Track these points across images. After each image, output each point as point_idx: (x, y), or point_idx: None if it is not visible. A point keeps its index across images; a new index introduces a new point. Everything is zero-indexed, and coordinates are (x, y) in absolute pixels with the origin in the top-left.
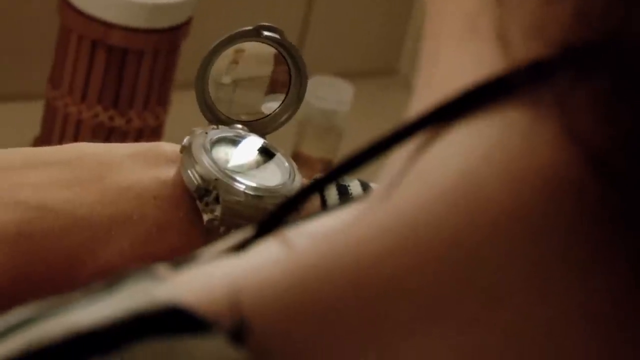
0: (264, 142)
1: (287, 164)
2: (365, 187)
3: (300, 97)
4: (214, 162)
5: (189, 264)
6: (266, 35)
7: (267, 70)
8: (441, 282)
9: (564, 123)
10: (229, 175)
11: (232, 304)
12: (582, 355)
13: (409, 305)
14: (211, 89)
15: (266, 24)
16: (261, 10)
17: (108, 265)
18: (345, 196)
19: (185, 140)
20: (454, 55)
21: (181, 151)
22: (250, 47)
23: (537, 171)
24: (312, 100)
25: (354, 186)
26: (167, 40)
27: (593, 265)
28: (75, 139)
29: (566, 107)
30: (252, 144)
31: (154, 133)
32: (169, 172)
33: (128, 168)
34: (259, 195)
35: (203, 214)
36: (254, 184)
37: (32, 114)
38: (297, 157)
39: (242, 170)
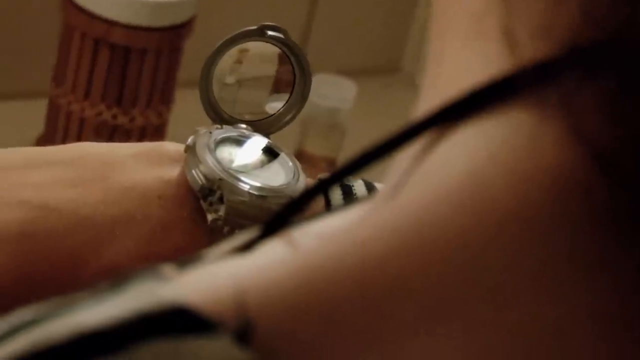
0: (268, 142)
1: (291, 163)
2: (369, 187)
3: (304, 97)
4: (218, 162)
5: (194, 264)
6: (270, 35)
7: (271, 69)
8: (447, 283)
9: (570, 123)
10: (233, 175)
11: (238, 304)
12: (590, 356)
13: (414, 305)
14: (215, 89)
15: (270, 23)
16: (264, 8)
17: (111, 265)
18: (349, 196)
19: (190, 140)
20: (460, 54)
21: (185, 151)
22: (254, 46)
23: (543, 171)
24: (315, 99)
25: (358, 186)
26: (170, 38)
27: (600, 265)
28: (79, 137)
29: (572, 107)
30: (256, 143)
31: (157, 131)
32: (172, 172)
33: (131, 168)
34: (263, 195)
35: (207, 214)
36: (258, 184)
37: (35, 112)
38: (301, 156)
39: (246, 170)
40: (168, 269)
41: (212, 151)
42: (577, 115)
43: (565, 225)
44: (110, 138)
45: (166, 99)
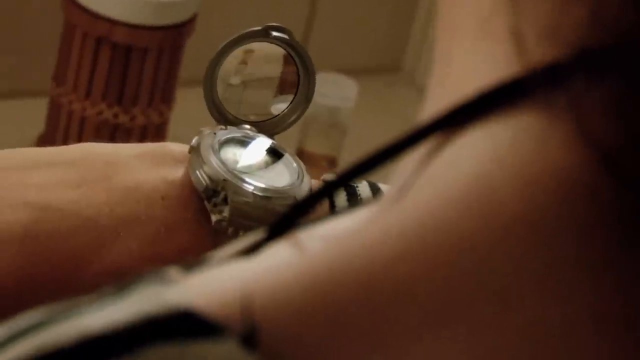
0: (273, 143)
1: (295, 164)
2: (373, 188)
3: (308, 98)
4: (223, 162)
5: (199, 267)
6: (275, 36)
7: (276, 70)
8: (452, 287)
9: (577, 126)
10: (237, 176)
11: (244, 307)
12: (593, 356)
13: (419, 309)
14: (219, 89)
15: (275, 24)
16: (266, 7)
17: (115, 266)
18: (353, 198)
19: (194, 141)
20: (467, 56)
21: (189, 152)
22: (259, 47)
23: (550, 174)
24: (316, 97)
25: (363, 187)
26: (171, 37)
27: (604, 266)
28: (80, 136)
29: (580, 109)
30: (261, 144)
31: (158, 130)
32: (176, 173)
33: (135, 168)
34: (268, 196)
35: (211, 215)
36: (262, 185)
37: (37, 111)
38: (301, 154)
39: (251, 171)
40: (173, 272)
41: (217, 152)
42: (584, 117)
43: (571, 228)
44: (111, 137)
45: (167, 98)
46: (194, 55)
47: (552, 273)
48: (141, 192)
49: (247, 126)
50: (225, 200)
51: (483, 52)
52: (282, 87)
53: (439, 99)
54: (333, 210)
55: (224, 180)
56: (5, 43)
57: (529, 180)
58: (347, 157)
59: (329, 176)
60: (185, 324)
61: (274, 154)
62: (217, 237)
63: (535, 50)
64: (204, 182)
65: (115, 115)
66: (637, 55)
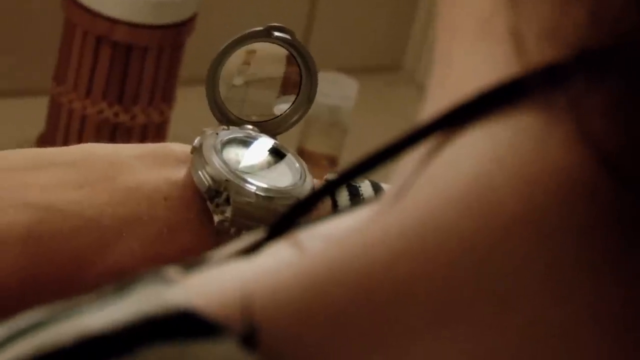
0: (275, 143)
1: (297, 164)
2: (376, 187)
3: (310, 98)
4: (225, 163)
5: (200, 267)
6: (277, 36)
7: (279, 70)
8: (452, 287)
9: (577, 126)
10: (239, 176)
11: (244, 307)
12: (593, 356)
13: (419, 309)
14: (222, 90)
15: (276, 24)
16: (266, 5)
17: (117, 267)
18: (356, 197)
19: (196, 141)
20: (467, 56)
21: (191, 152)
22: (262, 47)
23: (549, 174)
24: (316, 97)
25: (365, 187)
26: (171, 36)
27: (604, 266)
28: (80, 135)
29: (580, 110)
30: (263, 144)
31: (158, 129)
32: (179, 173)
33: (137, 169)
34: (270, 196)
35: (214, 215)
36: (264, 185)
37: (37, 110)
38: (302, 154)
39: (253, 171)
40: (173, 272)
41: (219, 152)
42: (584, 118)
43: (571, 228)
44: (111, 136)
45: (168, 97)
46: (194, 54)
47: (552, 273)
48: (143, 192)
49: (250, 126)
50: (227, 201)
51: (483, 52)
52: (285, 88)
53: (439, 99)
54: (335, 210)
55: (227, 180)
56: (5, 42)
57: (528, 180)
58: (348, 156)
59: (331, 176)
60: (184, 324)
61: (277, 154)
62: (219, 237)
63: (535, 50)
64: (206, 182)
65: (116, 114)
66: (637, 57)
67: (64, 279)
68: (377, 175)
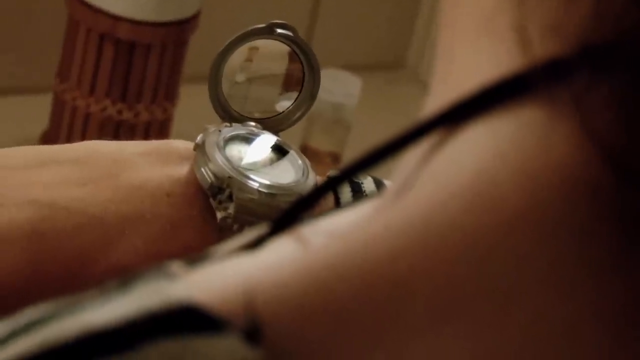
0: (278, 140)
1: (300, 161)
2: (378, 184)
3: (313, 95)
4: (228, 159)
5: (202, 262)
6: (279, 33)
7: (281, 67)
8: (454, 283)
9: (580, 122)
10: (242, 173)
11: (246, 302)
12: (595, 353)
13: (421, 305)
14: (224, 87)
15: (279, 21)
16: (269, 3)
17: (120, 264)
18: (358, 194)
19: (199, 138)
20: (471, 52)
21: (194, 149)
22: (264, 45)
23: (552, 170)
24: (320, 94)
25: (368, 183)
26: (175, 33)
27: (606, 264)
28: (83, 132)
29: (583, 106)
30: (266, 141)
31: (162, 127)
32: (182, 170)
33: (140, 166)
34: (273, 193)
35: (216, 212)
36: (267, 182)
37: (40, 107)
38: (305, 151)
39: (256, 168)
40: (176, 267)
41: (222, 149)
42: (588, 114)
43: (574, 225)
44: (115, 134)
45: (171, 95)
46: (197, 52)
47: (554, 270)
48: (146, 189)
49: (252, 123)
50: (230, 198)
51: (486, 48)
52: (287, 85)
53: (442, 95)
54: (338, 206)
55: (229, 177)
56: (8, 39)
57: (531, 176)
58: (351, 154)
59: (333, 172)
60: (187, 320)
61: (279, 150)
62: (222, 234)
63: (538, 47)
64: (209, 179)
65: (119, 112)
66: (637, 53)
67: (68, 276)
68: (380, 171)
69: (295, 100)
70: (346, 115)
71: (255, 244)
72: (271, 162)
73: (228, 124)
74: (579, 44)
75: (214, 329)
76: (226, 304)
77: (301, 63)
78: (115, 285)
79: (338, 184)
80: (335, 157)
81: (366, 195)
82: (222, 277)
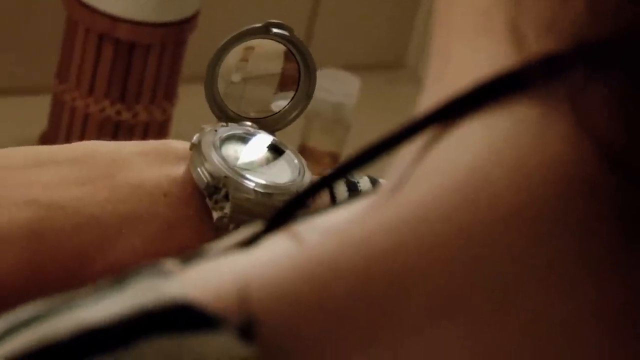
0: (274, 139)
1: (296, 161)
2: (375, 183)
3: (309, 94)
4: (224, 159)
5: (197, 260)
6: (275, 33)
7: (276, 67)
8: (449, 281)
9: (576, 119)
10: (238, 172)
11: (241, 299)
12: (594, 352)
13: (416, 303)
14: (220, 86)
15: (275, 21)
16: (268, 3)
17: (118, 263)
18: (354, 193)
19: (195, 138)
20: (466, 50)
21: (190, 149)
22: (260, 44)
23: (547, 167)
24: (319, 93)
25: (364, 183)
26: (174, 34)
27: (606, 262)
28: (82, 133)
29: (579, 102)
30: (262, 141)
31: (161, 127)
32: (179, 170)
33: (138, 166)
34: (269, 192)
35: (213, 212)
36: (263, 182)
37: (39, 108)
38: (304, 151)
39: (252, 167)
40: (171, 265)
41: (218, 149)
42: (583, 111)
43: (571, 223)
44: (114, 134)
45: (170, 95)
46: (196, 52)
47: (553, 269)
48: (143, 189)
49: (248, 123)
50: (226, 197)
51: (481, 46)
52: (283, 84)
53: (437, 93)
54: (334, 205)
55: (225, 177)
56: (7, 40)
57: (526, 173)
58: (350, 154)
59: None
60: (182, 317)
61: (275, 150)
62: (218, 233)
63: (533, 44)
64: (205, 179)
65: (118, 112)
66: (633, 49)
67: (67, 275)
68: (377, 170)
69: (291, 100)
70: (345, 115)
71: (250, 242)
72: (267, 161)
73: (224, 124)
74: (574, 40)
75: (209, 326)
76: (221, 301)
77: (297, 62)
78: (110, 283)
79: (333, 181)
80: (335, 157)
81: (362, 194)
82: (216, 274)
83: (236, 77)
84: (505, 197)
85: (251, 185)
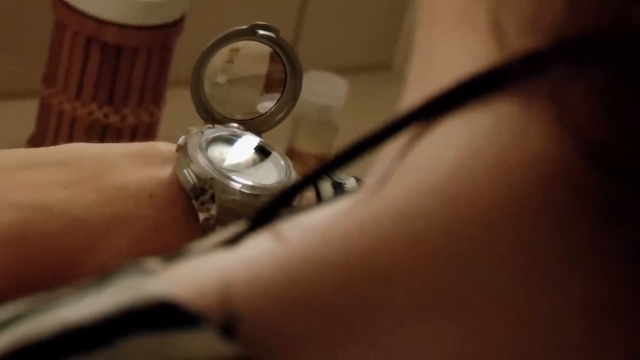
0: (260, 141)
1: (283, 162)
2: (361, 184)
3: (295, 96)
4: (210, 161)
5: (180, 259)
6: (261, 34)
7: (262, 69)
8: (431, 278)
9: (557, 115)
10: (224, 174)
11: (223, 297)
12: (579, 347)
13: (398, 299)
14: (206, 88)
15: (261, 22)
16: (256, 6)
17: (105, 265)
18: (340, 193)
19: (181, 140)
20: (447, 48)
21: (177, 150)
22: (246, 46)
23: (528, 165)
24: (306, 96)
25: (350, 183)
26: (161, 37)
27: (589, 257)
28: (70, 137)
29: (560, 99)
30: (248, 142)
31: (148, 130)
32: (165, 172)
33: (124, 168)
34: (255, 194)
35: (199, 213)
36: (249, 183)
37: (27, 111)
38: (292, 153)
39: (238, 169)
40: (153, 263)
41: (204, 150)
42: (564, 107)
43: (552, 219)
44: (101, 137)
45: (158, 98)
46: (184, 55)
47: (535, 265)
48: (129, 191)
49: (235, 124)
50: (212, 199)
51: (463, 43)
52: (269, 86)
53: (419, 91)
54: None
55: (211, 178)
56: None
57: (506, 171)
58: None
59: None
60: (164, 315)
61: (262, 152)
62: (205, 235)
63: (514, 40)
64: (191, 180)
65: (106, 116)
66: (617, 46)
67: (53, 277)
68: (359, 169)
69: (277, 102)
70: (333, 117)
71: (233, 240)
72: (254, 163)
73: (210, 125)
74: (555, 37)
75: (191, 324)
76: (203, 299)
77: (283, 64)
78: (92, 282)
79: (316, 179)
80: (322, 160)
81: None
82: (199, 272)
83: (222, 79)
84: (486, 194)
85: (237, 186)
